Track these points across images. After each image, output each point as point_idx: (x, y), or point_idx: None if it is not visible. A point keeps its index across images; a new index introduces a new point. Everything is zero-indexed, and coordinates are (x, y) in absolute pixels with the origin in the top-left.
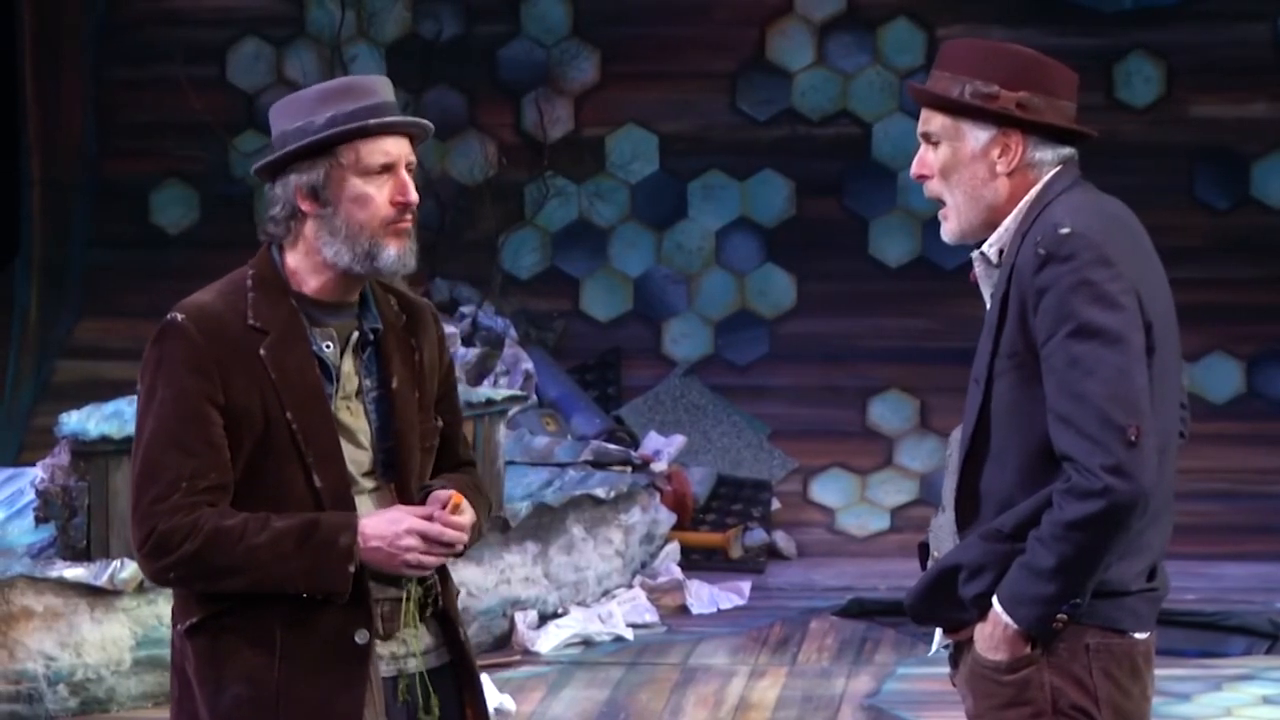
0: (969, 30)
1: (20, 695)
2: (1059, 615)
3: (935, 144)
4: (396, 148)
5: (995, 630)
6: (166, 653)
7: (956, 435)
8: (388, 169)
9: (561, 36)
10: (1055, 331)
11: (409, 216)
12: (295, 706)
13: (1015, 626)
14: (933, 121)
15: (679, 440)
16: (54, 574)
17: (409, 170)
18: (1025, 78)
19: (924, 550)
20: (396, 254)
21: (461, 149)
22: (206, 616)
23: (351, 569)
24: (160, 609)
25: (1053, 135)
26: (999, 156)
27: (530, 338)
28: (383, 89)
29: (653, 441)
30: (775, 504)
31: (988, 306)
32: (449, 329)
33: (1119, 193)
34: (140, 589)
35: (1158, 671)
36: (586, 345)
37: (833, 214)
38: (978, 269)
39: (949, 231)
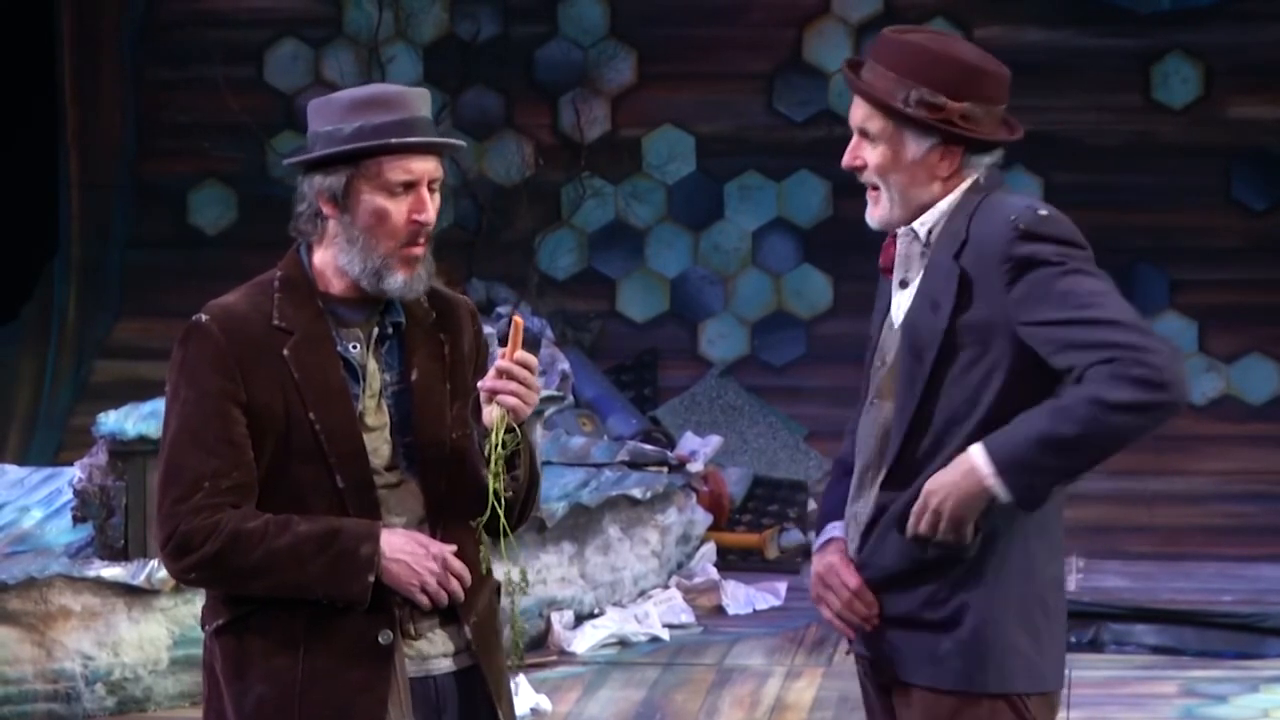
0: (1006, 32)
1: (58, 694)
2: (1052, 490)
3: (872, 140)
4: (420, 166)
5: (962, 483)
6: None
7: (866, 419)
8: (409, 187)
9: (599, 37)
10: (1049, 300)
11: (422, 241)
12: (317, 707)
13: (992, 489)
14: (872, 122)
15: (715, 441)
16: (92, 573)
17: (432, 187)
18: (969, 88)
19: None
20: (404, 281)
21: (499, 150)
22: (233, 618)
23: (371, 579)
24: (198, 609)
25: (989, 144)
26: (938, 162)
27: (567, 338)
28: (416, 103)
29: (689, 442)
30: (811, 504)
31: (897, 282)
32: (486, 329)
33: (1156, 193)
34: (177, 589)
35: (1196, 673)
36: (623, 346)
37: None
38: (901, 247)
39: (879, 219)
